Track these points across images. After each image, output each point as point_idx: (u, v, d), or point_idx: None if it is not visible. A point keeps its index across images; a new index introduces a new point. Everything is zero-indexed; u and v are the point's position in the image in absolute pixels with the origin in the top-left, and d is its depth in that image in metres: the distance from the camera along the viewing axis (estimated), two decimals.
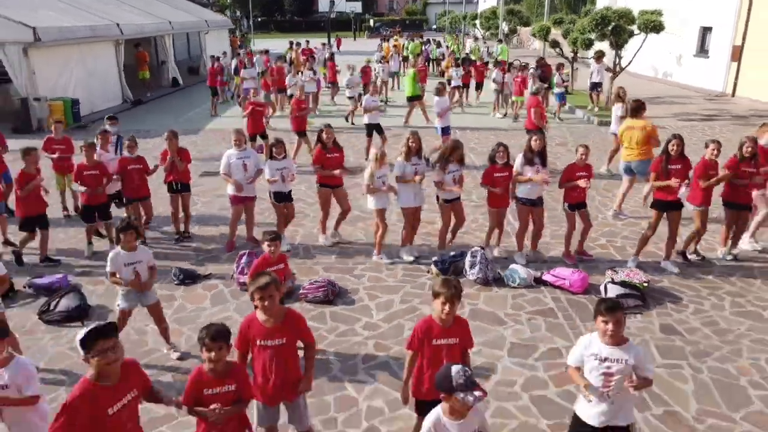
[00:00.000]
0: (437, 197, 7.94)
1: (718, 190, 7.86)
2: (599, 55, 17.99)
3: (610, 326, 3.70)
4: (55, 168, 9.52)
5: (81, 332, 3.19)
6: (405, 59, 28.45)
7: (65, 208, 9.81)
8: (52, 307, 6.57)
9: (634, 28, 18.32)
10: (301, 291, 6.99)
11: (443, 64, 24.57)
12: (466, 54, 25.83)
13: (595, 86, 18.28)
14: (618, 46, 18.64)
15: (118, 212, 9.04)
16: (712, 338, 6.14)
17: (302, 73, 18.48)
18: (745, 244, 8.22)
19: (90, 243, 8.34)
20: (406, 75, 16.79)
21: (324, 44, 27.81)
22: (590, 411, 3.86)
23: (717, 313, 6.65)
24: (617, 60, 18.70)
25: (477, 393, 3.20)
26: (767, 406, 5.08)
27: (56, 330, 6.40)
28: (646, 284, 6.98)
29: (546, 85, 17.27)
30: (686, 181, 7.34)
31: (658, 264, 7.80)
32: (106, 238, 8.57)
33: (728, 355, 5.85)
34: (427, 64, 27.68)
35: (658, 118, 17.25)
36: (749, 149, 7.46)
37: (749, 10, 20.70)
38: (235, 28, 44.81)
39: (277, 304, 3.93)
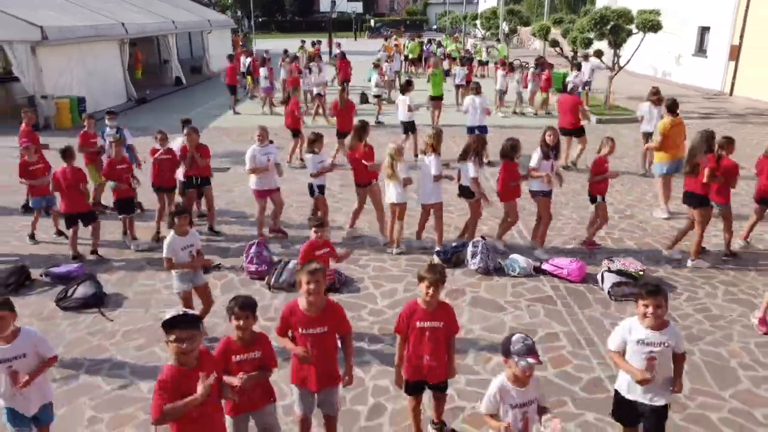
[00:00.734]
0: (461, 193, 8.17)
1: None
2: (590, 54, 18.18)
3: (650, 309, 3.75)
4: (89, 162, 9.83)
5: (167, 313, 3.36)
6: (406, 58, 28.70)
7: (99, 203, 9.99)
8: (69, 294, 6.81)
9: (633, 27, 18.55)
10: None
11: (445, 63, 24.85)
12: (469, 54, 26.05)
13: (585, 85, 18.47)
14: (616, 45, 18.87)
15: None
16: (704, 324, 6.39)
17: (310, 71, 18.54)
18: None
19: (135, 237, 8.60)
20: (429, 74, 16.94)
21: (338, 44, 27.94)
22: (634, 389, 3.97)
23: (710, 300, 6.90)
24: (616, 59, 18.94)
25: (531, 360, 3.42)
26: (755, 386, 5.33)
27: (74, 316, 6.64)
28: (641, 273, 7.22)
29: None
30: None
31: (653, 254, 8.05)
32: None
33: (720, 339, 6.09)
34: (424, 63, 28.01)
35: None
36: None
37: (747, 8, 20.94)
38: (237, 28, 45.04)
39: (322, 291, 4.04)
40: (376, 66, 18.58)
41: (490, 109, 13.23)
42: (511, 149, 7.80)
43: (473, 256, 7.66)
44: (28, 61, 16.22)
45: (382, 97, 18.12)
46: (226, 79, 19.06)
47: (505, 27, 30.55)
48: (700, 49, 24.13)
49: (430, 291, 4.08)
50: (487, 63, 26.94)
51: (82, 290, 6.84)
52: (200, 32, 29.75)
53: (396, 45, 29.57)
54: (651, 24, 17.87)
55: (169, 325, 3.30)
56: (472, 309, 6.73)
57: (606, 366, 5.62)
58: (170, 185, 8.79)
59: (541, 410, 3.74)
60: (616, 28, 18.48)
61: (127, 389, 5.37)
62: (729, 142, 7.51)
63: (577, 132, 12.42)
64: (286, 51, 22.84)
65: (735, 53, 21.61)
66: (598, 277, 7.27)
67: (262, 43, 41.50)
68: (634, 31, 18.61)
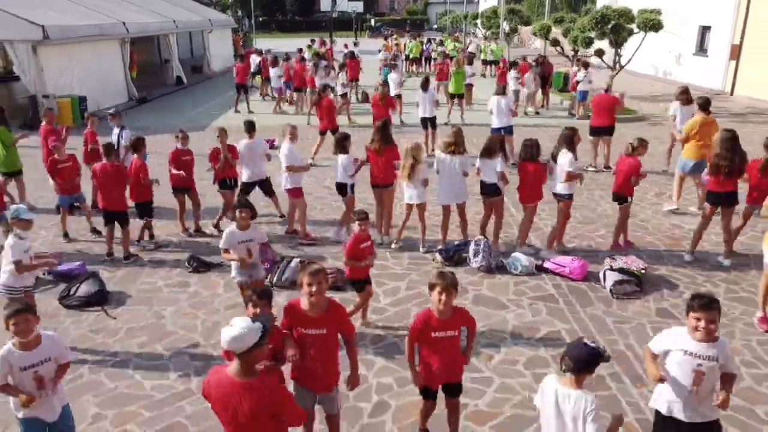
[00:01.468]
0: (483, 191, 8.13)
1: None
2: (586, 63, 17.78)
3: (702, 324, 3.55)
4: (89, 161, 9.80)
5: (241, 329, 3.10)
6: (407, 58, 28.72)
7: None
8: (72, 293, 6.83)
9: (634, 26, 18.57)
10: None
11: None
12: (472, 53, 26.05)
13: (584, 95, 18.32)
14: (617, 44, 18.89)
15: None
16: None
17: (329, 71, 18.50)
18: None
19: (152, 236, 8.66)
20: (453, 72, 16.99)
21: (346, 44, 27.92)
22: (676, 406, 3.77)
23: None
24: (617, 58, 18.96)
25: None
26: (757, 383, 5.34)
27: (77, 314, 6.66)
28: (643, 271, 7.23)
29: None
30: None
31: (655, 252, 8.07)
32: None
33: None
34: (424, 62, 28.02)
35: (657, 117, 17.55)
36: None
37: (747, 7, 20.96)
38: (238, 28, 45.05)
39: (324, 292, 3.96)
40: (393, 66, 18.45)
41: (513, 109, 13.16)
42: (537, 149, 7.80)
43: (475, 254, 7.68)
44: (29, 60, 16.24)
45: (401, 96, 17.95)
46: (236, 77, 19.01)
47: (505, 26, 30.57)
48: (701, 49, 24.14)
49: (443, 297, 3.96)
50: (490, 63, 26.93)
51: (84, 288, 6.85)
52: (201, 32, 29.75)
53: (396, 45, 29.59)
54: (652, 23, 17.89)
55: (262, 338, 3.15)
56: (474, 307, 6.74)
57: (608, 364, 5.63)
58: (189, 185, 8.75)
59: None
60: (617, 28, 18.50)
61: (130, 387, 5.39)
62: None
63: (610, 131, 12.12)
64: (301, 50, 22.75)
65: (736, 53, 21.62)
66: (600, 275, 7.28)
67: (263, 43, 41.49)
68: (635, 30, 18.62)
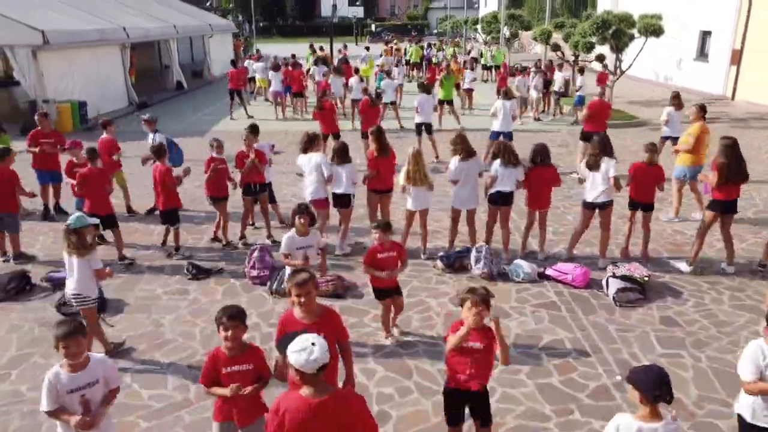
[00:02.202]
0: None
1: None
2: (560, 63, 18.01)
3: None
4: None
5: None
6: (407, 63, 28.70)
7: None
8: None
9: (635, 32, 18.55)
10: None
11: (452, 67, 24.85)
12: (474, 58, 26.05)
13: (559, 95, 18.40)
14: (618, 49, 18.87)
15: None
16: (711, 330, 6.33)
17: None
18: None
19: (178, 248, 8.40)
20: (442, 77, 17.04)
21: (339, 50, 27.96)
22: (759, 415, 3.73)
23: (716, 306, 6.83)
24: (618, 63, 18.94)
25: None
26: None
27: None
28: (646, 279, 7.16)
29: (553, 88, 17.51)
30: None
31: (658, 259, 8.01)
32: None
33: (727, 345, 6.03)
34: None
35: (657, 122, 17.48)
36: None
37: (749, 12, 20.94)
38: (239, 33, 45.10)
39: (314, 301, 3.94)
40: (388, 73, 18.46)
41: (516, 114, 13.20)
42: (548, 153, 7.79)
43: (477, 261, 7.61)
44: (29, 65, 16.21)
45: (397, 103, 17.94)
46: (229, 83, 18.94)
47: (506, 31, 30.57)
48: (702, 54, 24.12)
49: (475, 309, 3.87)
50: (491, 68, 26.92)
51: None
52: (201, 37, 29.77)
53: (397, 50, 29.60)
54: (653, 28, 17.87)
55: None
56: None
57: (611, 373, 5.56)
58: (225, 195, 8.53)
59: None
60: (617, 33, 18.49)
61: (128, 396, 5.31)
62: None
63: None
64: (294, 56, 22.77)
65: (737, 57, 21.60)
66: (603, 282, 7.21)
67: (263, 48, 41.50)
68: (636, 35, 18.61)
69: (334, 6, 45.65)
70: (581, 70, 17.83)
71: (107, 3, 23.40)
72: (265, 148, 9.01)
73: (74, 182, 8.30)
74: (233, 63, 20.39)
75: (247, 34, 53.51)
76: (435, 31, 74.92)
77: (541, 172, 7.75)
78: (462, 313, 3.99)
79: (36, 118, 10.02)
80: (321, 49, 26.65)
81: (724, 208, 7.47)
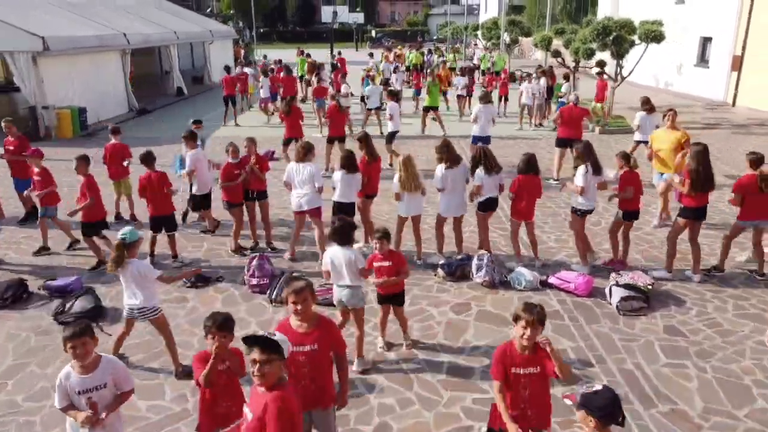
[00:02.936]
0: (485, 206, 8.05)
1: None
2: (567, 75, 17.96)
3: None
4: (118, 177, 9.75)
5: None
6: (407, 69, 28.73)
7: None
8: (66, 309, 6.69)
9: (635, 38, 18.52)
10: None
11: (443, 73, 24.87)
12: (472, 64, 26.07)
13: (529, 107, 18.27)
14: (619, 55, 18.84)
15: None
16: (716, 339, 6.25)
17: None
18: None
19: (175, 255, 8.36)
20: (427, 85, 17.06)
21: (334, 55, 28.06)
22: None
23: (720, 315, 6.76)
24: (618, 69, 18.90)
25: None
26: None
27: None
28: (650, 287, 7.09)
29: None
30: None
31: (661, 267, 7.92)
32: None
33: (732, 355, 5.95)
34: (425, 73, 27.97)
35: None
36: None
37: (749, 17, 20.93)
38: (239, 39, 45.18)
39: (310, 309, 3.93)
40: (373, 78, 18.39)
41: (496, 118, 13.19)
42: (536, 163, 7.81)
43: (478, 269, 7.54)
44: (29, 71, 16.20)
45: (382, 108, 17.94)
46: (224, 90, 18.90)
47: (506, 37, 30.57)
48: (702, 59, 24.11)
49: (527, 333, 3.70)
50: (492, 73, 26.89)
51: (80, 304, 6.71)
52: (202, 43, 29.79)
53: (398, 56, 29.62)
54: (654, 35, 17.85)
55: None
56: (477, 323, 6.61)
57: (616, 383, 5.48)
58: (240, 200, 8.50)
59: None
60: (618, 39, 18.45)
61: (125, 408, 5.22)
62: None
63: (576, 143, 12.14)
64: (280, 61, 22.85)
65: (737, 63, 21.58)
66: (606, 291, 7.14)
67: (272, 54, 41.60)
68: (637, 41, 18.58)
69: (335, 12, 45.83)
70: (566, 77, 17.90)
71: (107, 9, 23.43)
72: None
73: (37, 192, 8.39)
74: (227, 69, 20.40)
75: (248, 40, 53.59)
76: (435, 37, 75.10)
77: (529, 181, 7.72)
78: (514, 329, 3.84)
79: (2, 124, 9.89)
80: (308, 55, 26.64)
81: (696, 215, 7.43)
